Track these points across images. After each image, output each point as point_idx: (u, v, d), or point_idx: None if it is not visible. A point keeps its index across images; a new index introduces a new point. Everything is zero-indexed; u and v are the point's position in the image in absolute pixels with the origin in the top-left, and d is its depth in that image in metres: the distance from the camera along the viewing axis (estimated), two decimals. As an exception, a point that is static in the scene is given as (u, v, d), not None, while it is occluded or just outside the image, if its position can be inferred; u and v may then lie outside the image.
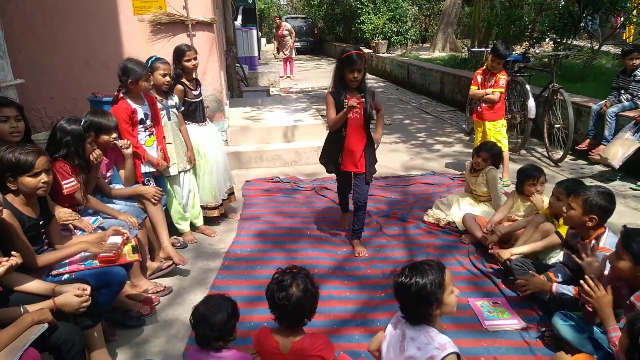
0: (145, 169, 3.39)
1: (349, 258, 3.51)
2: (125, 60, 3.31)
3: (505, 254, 3.03)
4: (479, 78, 4.86)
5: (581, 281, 2.21)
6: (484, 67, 4.88)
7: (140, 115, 3.32)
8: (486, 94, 4.76)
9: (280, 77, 12.90)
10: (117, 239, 2.58)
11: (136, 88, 3.26)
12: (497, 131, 4.81)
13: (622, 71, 5.31)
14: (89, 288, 2.14)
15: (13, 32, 4.81)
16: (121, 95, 3.27)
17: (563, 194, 2.92)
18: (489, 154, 3.89)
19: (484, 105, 4.82)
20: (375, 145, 3.47)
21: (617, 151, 4.62)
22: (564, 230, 2.87)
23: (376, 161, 3.52)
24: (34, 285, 2.15)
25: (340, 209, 4.04)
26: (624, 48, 5.40)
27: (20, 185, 2.22)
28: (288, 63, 14.34)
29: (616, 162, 4.63)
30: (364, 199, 3.49)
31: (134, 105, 3.28)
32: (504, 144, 4.77)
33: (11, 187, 2.22)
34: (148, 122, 3.40)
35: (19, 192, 2.24)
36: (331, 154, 3.49)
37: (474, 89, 4.90)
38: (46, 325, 1.90)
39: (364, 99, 3.17)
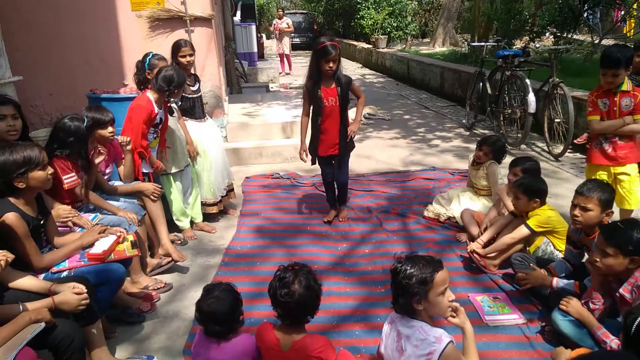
0: (143, 169, 3.39)
1: (349, 254, 3.51)
2: (170, 68, 3.29)
3: (474, 245, 3.16)
4: (601, 104, 3.19)
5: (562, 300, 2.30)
6: (603, 89, 3.20)
7: (157, 119, 3.34)
8: (626, 124, 3.12)
9: (280, 73, 12.83)
10: (112, 237, 2.57)
11: (175, 94, 3.33)
12: (636, 178, 3.24)
13: None
14: (84, 287, 2.12)
15: (11, 28, 4.80)
16: (148, 95, 3.27)
17: (519, 191, 3.06)
18: (491, 149, 3.82)
19: (618, 141, 3.17)
20: (350, 135, 3.60)
21: None
22: (532, 223, 3.01)
23: (353, 145, 3.76)
24: (30, 283, 2.14)
25: (329, 205, 4.04)
26: (637, 43, 5.24)
27: (32, 180, 2.21)
28: (285, 59, 13.96)
29: None
30: (344, 180, 3.84)
31: (157, 109, 3.29)
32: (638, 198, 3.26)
33: (19, 186, 2.19)
34: (160, 125, 3.43)
35: (21, 192, 2.23)
36: (311, 143, 3.71)
37: (598, 121, 3.20)
38: (43, 324, 1.90)
39: (338, 87, 3.47)
